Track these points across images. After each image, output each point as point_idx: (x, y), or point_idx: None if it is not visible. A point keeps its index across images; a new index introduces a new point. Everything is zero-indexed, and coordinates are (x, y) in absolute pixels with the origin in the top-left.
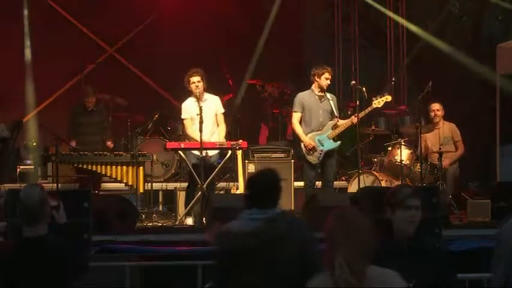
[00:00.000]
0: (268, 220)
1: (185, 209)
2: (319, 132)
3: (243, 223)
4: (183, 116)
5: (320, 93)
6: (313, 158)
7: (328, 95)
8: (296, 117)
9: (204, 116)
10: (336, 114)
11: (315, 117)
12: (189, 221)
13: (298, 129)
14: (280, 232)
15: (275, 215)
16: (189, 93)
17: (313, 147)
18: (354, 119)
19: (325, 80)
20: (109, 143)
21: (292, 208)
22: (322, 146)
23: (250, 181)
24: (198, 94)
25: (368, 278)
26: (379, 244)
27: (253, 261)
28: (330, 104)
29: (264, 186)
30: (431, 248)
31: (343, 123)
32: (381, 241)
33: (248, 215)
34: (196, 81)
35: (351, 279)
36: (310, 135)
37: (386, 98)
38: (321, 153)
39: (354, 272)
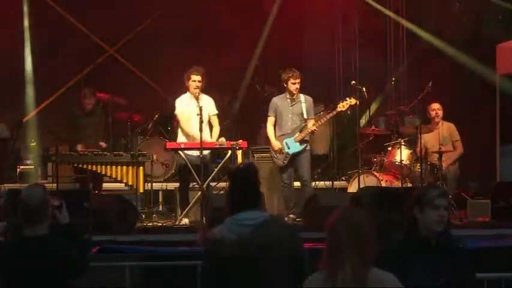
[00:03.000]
0: (257, 226)
1: (181, 209)
2: (287, 135)
3: (231, 229)
4: (176, 112)
5: (291, 97)
6: (278, 161)
7: (302, 98)
8: (269, 121)
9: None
10: (306, 116)
11: (285, 121)
12: (186, 221)
13: (269, 132)
14: (270, 239)
15: (263, 221)
16: (185, 90)
17: (280, 149)
18: (311, 128)
19: (292, 85)
20: (102, 143)
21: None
22: (289, 149)
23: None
24: (196, 93)
25: (368, 281)
26: (405, 242)
27: (243, 269)
28: (301, 107)
29: (247, 180)
30: (457, 247)
31: (305, 131)
32: (407, 239)
33: (236, 220)
34: (197, 80)
35: (352, 282)
36: (280, 138)
37: (351, 102)
38: (287, 156)
39: (357, 275)
